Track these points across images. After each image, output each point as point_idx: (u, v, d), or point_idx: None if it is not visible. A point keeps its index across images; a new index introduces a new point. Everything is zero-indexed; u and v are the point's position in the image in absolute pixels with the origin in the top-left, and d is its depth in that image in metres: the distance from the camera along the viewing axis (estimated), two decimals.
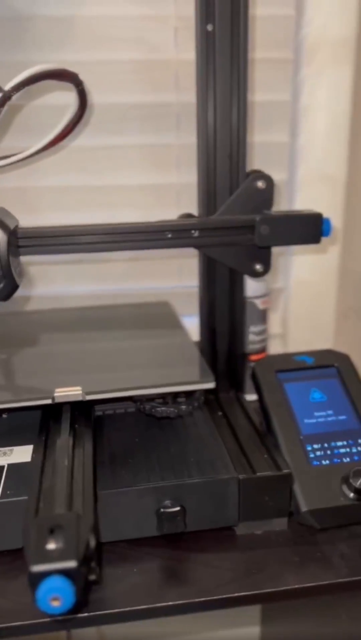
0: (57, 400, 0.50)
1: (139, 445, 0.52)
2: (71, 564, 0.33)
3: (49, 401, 0.49)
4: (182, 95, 0.74)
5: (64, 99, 0.61)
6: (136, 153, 0.76)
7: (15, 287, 0.48)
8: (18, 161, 0.61)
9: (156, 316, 0.71)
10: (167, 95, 0.74)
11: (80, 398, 0.50)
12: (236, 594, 0.45)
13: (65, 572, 0.33)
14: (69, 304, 0.80)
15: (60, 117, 0.60)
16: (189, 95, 0.74)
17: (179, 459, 0.50)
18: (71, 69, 0.56)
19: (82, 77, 0.62)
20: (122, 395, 0.51)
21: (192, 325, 0.67)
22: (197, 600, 0.44)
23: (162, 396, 0.55)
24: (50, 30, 0.70)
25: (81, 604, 0.38)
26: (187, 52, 0.73)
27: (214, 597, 0.44)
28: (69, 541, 0.35)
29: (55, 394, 0.50)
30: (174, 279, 0.83)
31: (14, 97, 0.51)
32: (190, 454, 0.51)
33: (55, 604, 0.33)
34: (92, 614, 0.42)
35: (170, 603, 0.44)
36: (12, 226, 0.48)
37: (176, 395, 0.55)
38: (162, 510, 0.46)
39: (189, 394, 0.56)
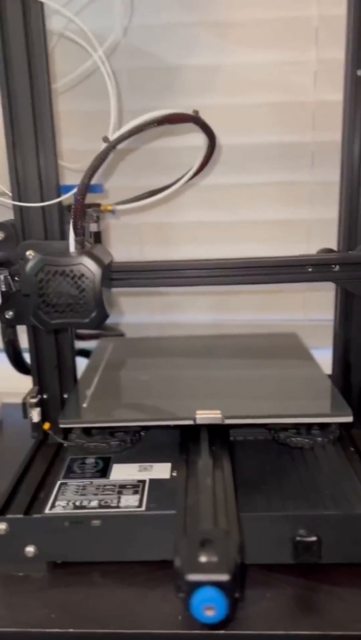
0: (198, 422, 0.52)
1: (270, 472, 0.53)
2: (224, 577, 0.35)
3: (190, 422, 0.52)
4: (318, 134, 0.76)
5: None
6: (270, 190, 0.79)
7: (105, 316, 0.52)
8: (157, 200, 0.65)
9: (286, 347, 0.73)
10: (303, 135, 0.77)
11: (219, 421, 0.52)
12: None
13: (218, 584, 0.35)
14: (195, 332, 0.83)
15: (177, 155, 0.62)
16: (326, 135, 0.77)
17: (313, 490, 0.50)
18: (188, 111, 0.57)
19: (223, 120, 0.65)
20: (260, 422, 0.53)
21: (320, 358, 0.68)
22: (333, 633, 0.44)
23: (296, 426, 0.56)
24: (197, 78, 0.75)
25: (228, 618, 0.39)
26: (325, 94, 0.75)
27: (350, 633, 0.44)
28: (221, 555, 0.37)
29: (197, 416, 0.52)
30: (299, 312, 0.84)
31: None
32: (323, 486, 0.51)
33: (210, 613, 0.34)
34: (230, 632, 0.43)
35: (305, 632, 0.44)
36: (106, 262, 0.53)
37: (309, 426, 0.56)
38: (298, 539, 0.47)
39: (322, 427, 0.56)
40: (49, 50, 0.53)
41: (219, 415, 0.52)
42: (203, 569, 0.36)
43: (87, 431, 0.58)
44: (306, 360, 0.67)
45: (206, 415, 0.52)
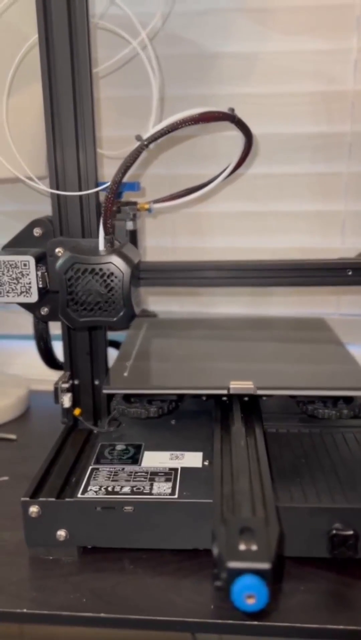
0: (231, 392, 0.54)
1: (305, 464, 0.53)
2: (265, 565, 0.35)
3: (224, 391, 0.55)
4: (357, 125, 0.75)
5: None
6: (305, 181, 0.78)
7: (133, 315, 0.52)
8: (199, 196, 0.64)
9: (314, 329, 0.75)
10: (341, 126, 0.75)
11: (252, 391, 0.54)
12: None
13: (259, 573, 0.34)
14: None
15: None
16: None
17: (349, 483, 0.49)
18: (223, 106, 0.53)
19: (259, 109, 0.62)
20: (290, 393, 0.57)
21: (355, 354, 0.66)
22: None
23: (324, 400, 0.58)
24: (233, 66, 0.74)
25: (266, 609, 0.38)
26: None
27: None
28: (261, 544, 0.36)
29: (231, 386, 0.55)
30: (332, 306, 0.83)
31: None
32: (359, 480, 0.50)
33: (251, 601, 0.34)
34: (263, 623, 0.43)
35: (340, 627, 0.43)
36: (135, 261, 0.53)
37: (336, 401, 0.58)
38: (334, 532, 0.46)
39: (348, 401, 0.58)
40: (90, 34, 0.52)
41: (252, 386, 0.55)
42: (244, 557, 0.35)
43: (127, 399, 0.60)
44: (333, 342, 0.69)
45: (239, 386, 0.55)
